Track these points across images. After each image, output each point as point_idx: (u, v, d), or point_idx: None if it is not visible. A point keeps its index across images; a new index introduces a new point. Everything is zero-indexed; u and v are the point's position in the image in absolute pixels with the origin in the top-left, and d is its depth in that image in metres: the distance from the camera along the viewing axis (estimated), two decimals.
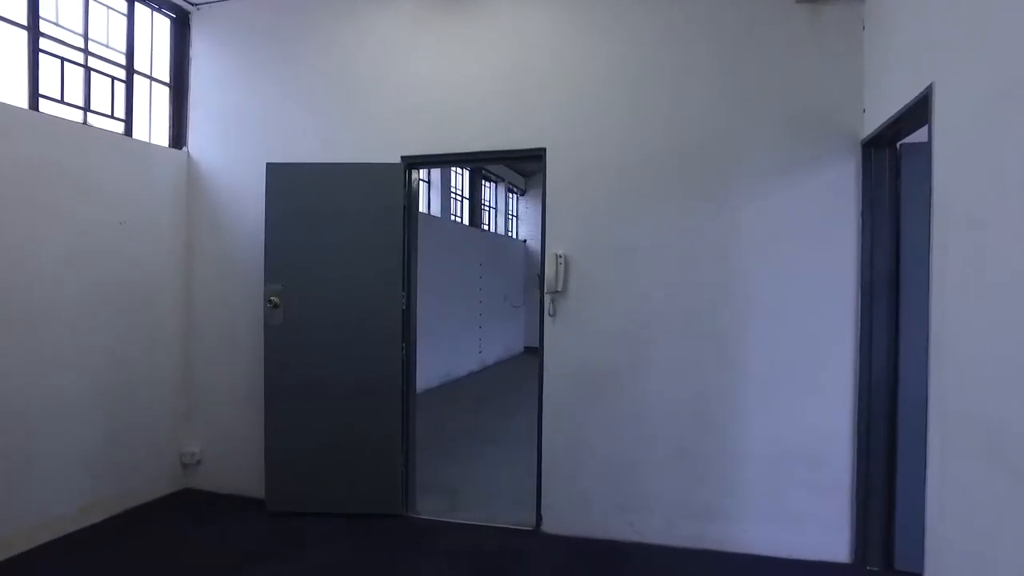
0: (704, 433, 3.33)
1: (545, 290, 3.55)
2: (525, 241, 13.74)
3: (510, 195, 13.39)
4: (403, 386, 3.83)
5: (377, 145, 3.87)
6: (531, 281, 13.47)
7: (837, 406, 3.16)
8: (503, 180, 12.57)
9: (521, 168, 13.17)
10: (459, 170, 10.70)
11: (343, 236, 3.77)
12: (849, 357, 3.15)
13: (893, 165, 3.08)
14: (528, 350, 13.18)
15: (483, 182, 11.76)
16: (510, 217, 13.50)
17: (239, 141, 4.19)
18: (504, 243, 12.54)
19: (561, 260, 3.51)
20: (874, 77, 3.04)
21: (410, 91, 3.83)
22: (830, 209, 3.18)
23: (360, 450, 3.77)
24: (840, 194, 3.17)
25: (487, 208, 12.19)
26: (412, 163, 3.85)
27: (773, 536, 3.24)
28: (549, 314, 3.55)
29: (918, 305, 2.97)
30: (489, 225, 12.21)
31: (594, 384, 3.49)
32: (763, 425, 3.25)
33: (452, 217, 10.18)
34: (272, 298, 3.76)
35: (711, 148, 3.34)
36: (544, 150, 3.59)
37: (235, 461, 4.13)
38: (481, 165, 4.00)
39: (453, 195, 10.35)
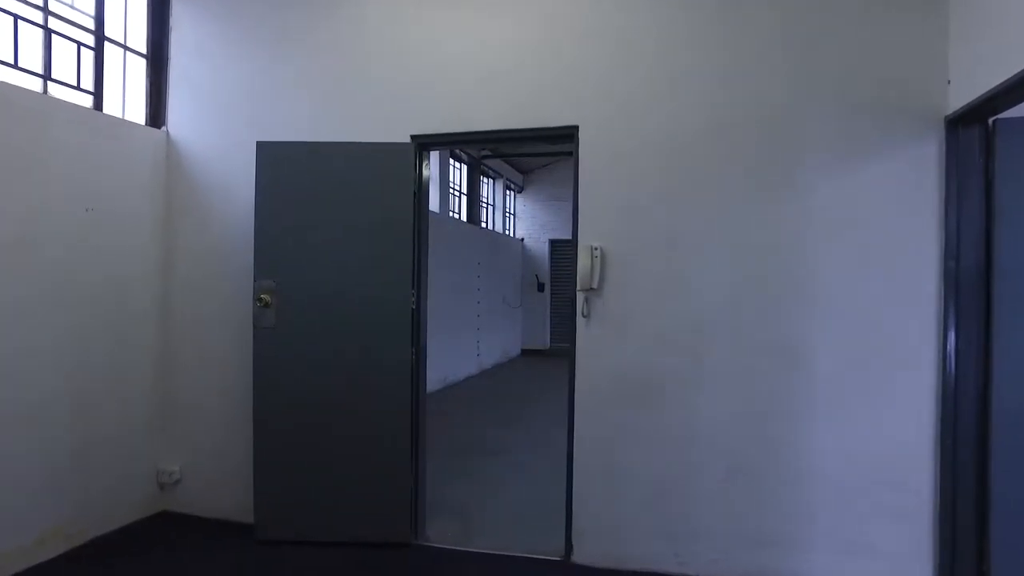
0: (763, 450, 2.92)
1: (578, 287, 3.12)
2: (523, 240, 13.32)
3: (508, 192, 12.96)
4: (412, 396, 3.37)
5: (384, 123, 3.41)
6: (528, 281, 13.09)
7: (918, 418, 2.76)
8: (501, 176, 12.15)
9: (520, 164, 12.75)
10: (457, 164, 10.26)
11: (344, 226, 3.31)
12: (932, 361, 2.75)
13: (984, 144, 2.68)
14: (525, 352, 12.78)
15: (481, 178, 11.33)
16: (507, 215, 13.08)
17: (226, 119, 3.71)
18: (502, 241, 12.11)
19: (597, 253, 3.07)
20: (964, 44, 2.64)
21: (422, 61, 3.38)
22: (909, 194, 2.77)
23: (363, 469, 3.31)
24: (920, 177, 2.77)
25: (485, 205, 11.75)
26: (424, 143, 3.40)
27: (841, 568, 2.82)
28: (582, 315, 3.12)
29: (1015, 302, 2.60)
30: (487, 223, 11.77)
31: (634, 394, 3.06)
32: (832, 440, 2.84)
33: (450, 213, 9.73)
34: (262, 296, 3.29)
35: (772, 124, 2.92)
36: (576, 128, 3.15)
37: (220, 480, 3.65)
38: (503, 146, 3.55)
39: (452, 190, 9.91)
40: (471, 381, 9.48)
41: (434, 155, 6.69)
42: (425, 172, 3.46)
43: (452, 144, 3.45)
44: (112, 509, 3.45)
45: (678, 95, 3.03)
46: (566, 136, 3.20)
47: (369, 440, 3.32)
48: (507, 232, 13.04)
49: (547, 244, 13.23)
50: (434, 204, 8.97)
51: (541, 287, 13.13)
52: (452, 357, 8.92)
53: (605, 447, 3.10)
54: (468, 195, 10.81)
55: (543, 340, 13.04)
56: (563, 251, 13.20)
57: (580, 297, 3.13)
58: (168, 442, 3.76)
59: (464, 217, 10.63)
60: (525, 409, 7.44)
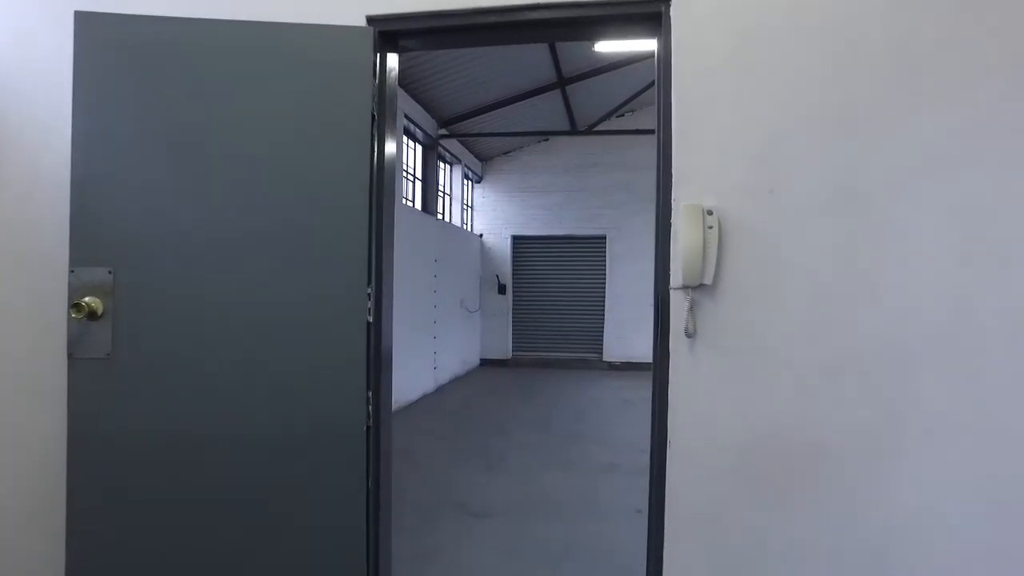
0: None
1: (674, 283, 1.75)
2: (481, 235, 11.92)
3: (465, 182, 11.52)
4: (368, 472, 1.92)
5: None
6: (487, 281, 11.76)
7: None
8: (460, 161, 10.71)
9: (480, 150, 11.34)
10: (412, 144, 8.75)
11: (244, 172, 1.83)
12: None
13: None
14: (485, 363, 11.39)
15: (439, 162, 9.87)
16: (465, 208, 11.64)
17: None
18: (461, 236, 10.69)
19: (712, 223, 1.71)
20: None
21: None
22: None
23: None
24: None
25: (443, 194, 10.30)
26: (389, 32, 1.94)
27: None
28: (686, 333, 1.74)
29: None
30: (443, 214, 10.32)
31: (779, 474, 1.72)
32: None
33: (404, 200, 8.22)
34: (85, 301, 1.75)
35: None
36: (667, 1, 1.79)
37: None
38: (529, 36, 2.07)
39: (405, 174, 8.41)
40: (428, 401, 7.96)
41: None
42: (391, 83, 2.01)
43: (440, 33, 1.97)
44: None
45: None
46: (644, 17, 1.83)
47: (291, 545, 1.85)
48: (464, 226, 11.61)
49: (509, 240, 11.92)
50: None
51: (502, 289, 11.84)
52: (405, 373, 7.38)
53: (726, 562, 1.74)
54: (423, 181, 9.31)
55: (504, 349, 11.74)
56: (529, 248, 11.94)
57: (679, 300, 1.75)
58: None
59: (419, 206, 9.13)
60: (500, 439, 6.03)
